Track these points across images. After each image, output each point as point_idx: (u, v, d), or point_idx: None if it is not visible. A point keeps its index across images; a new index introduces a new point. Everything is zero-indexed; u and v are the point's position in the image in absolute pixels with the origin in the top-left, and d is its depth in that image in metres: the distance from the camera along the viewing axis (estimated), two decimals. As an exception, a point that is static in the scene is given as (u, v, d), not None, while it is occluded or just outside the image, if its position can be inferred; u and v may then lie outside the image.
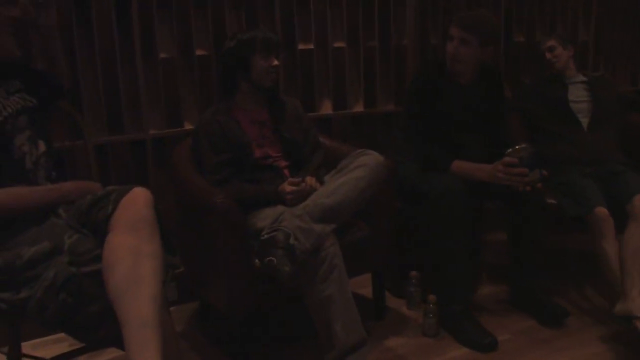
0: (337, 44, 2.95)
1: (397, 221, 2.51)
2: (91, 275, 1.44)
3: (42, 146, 1.73)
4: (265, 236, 1.96)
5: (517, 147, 2.32)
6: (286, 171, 2.36)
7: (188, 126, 2.66)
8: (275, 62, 2.30)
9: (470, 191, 2.38)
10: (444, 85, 2.55)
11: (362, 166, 2.15)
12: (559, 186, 2.64)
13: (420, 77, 2.63)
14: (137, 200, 1.49)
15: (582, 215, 2.53)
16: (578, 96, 2.92)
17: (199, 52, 2.64)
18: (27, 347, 2.27)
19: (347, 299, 2.05)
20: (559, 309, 2.51)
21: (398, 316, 2.58)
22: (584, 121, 2.87)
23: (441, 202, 2.32)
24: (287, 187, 2.18)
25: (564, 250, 3.22)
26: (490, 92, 2.65)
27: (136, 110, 2.56)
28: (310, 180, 2.22)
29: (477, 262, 2.79)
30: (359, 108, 3.07)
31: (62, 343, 2.33)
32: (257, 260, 2.02)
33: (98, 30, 2.44)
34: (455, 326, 2.39)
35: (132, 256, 1.40)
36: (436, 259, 2.41)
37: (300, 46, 2.86)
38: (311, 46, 2.88)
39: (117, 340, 1.46)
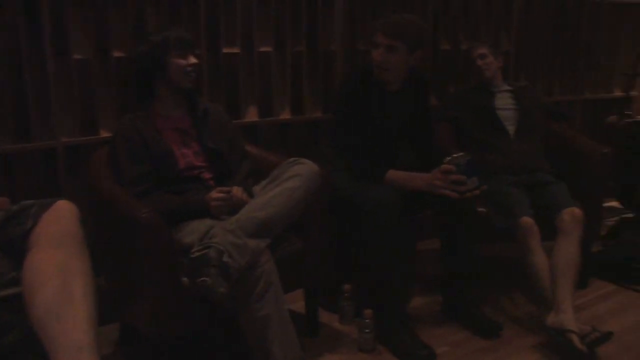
0: (263, 48, 2.82)
1: (329, 233, 2.41)
2: (4, 301, 1.27)
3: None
4: (196, 254, 1.80)
5: (454, 155, 2.28)
6: (212, 182, 2.22)
7: (105, 134, 2.46)
8: (194, 60, 2.17)
9: (404, 201, 2.32)
10: (372, 92, 2.47)
11: (296, 176, 2.04)
12: (487, 195, 2.63)
13: (347, 84, 2.53)
14: (62, 214, 1.34)
15: (508, 226, 2.54)
16: (505, 105, 2.94)
17: (116, 54, 2.45)
18: None
19: (284, 318, 1.93)
20: (493, 324, 2.48)
21: (332, 332, 2.48)
22: (511, 129, 2.89)
23: (377, 215, 2.23)
24: (214, 194, 2.05)
25: (493, 258, 3.23)
26: (419, 98, 2.60)
27: (46, 116, 2.34)
28: (237, 191, 2.09)
29: (411, 273, 2.74)
30: (285, 115, 2.95)
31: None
32: (185, 279, 1.87)
33: (2, 26, 2.20)
34: (393, 340, 2.31)
35: (61, 274, 1.23)
36: (372, 272, 2.33)
37: (225, 49, 2.72)
38: (236, 50, 2.75)
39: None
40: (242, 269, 1.83)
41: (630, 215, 3.65)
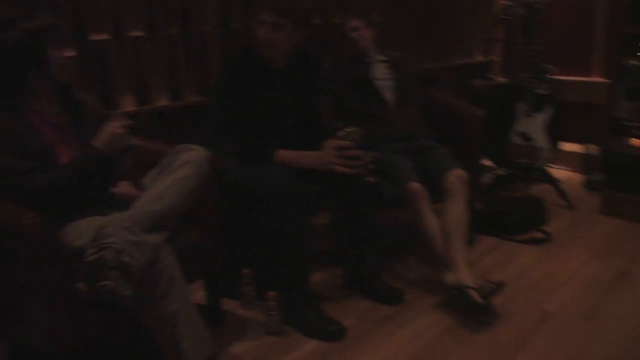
0: (134, 33, 2.66)
1: (224, 220, 2.34)
2: None
3: None
4: (92, 257, 1.67)
5: (347, 129, 2.28)
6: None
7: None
8: (70, 52, 2.00)
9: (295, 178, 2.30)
10: (257, 72, 2.42)
11: (187, 163, 1.95)
12: (375, 165, 2.67)
13: (230, 65, 2.46)
14: None
15: (398, 193, 2.59)
16: (382, 75, 2.99)
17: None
18: None
19: (191, 313, 1.86)
20: (394, 290, 2.55)
21: (236, 319, 2.43)
22: (390, 99, 2.95)
23: (273, 196, 2.20)
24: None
25: (384, 226, 3.30)
26: (304, 76, 2.58)
27: None
28: (125, 186, 1.98)
29: (309, 250, 2.73)
30: (163, 102, 2.82)
31: None
32: (81, 285, 1.73)
33: None
34: (300, 319, 2.30)
35: None
36: (273, 253, 2.29)
37: (93, 36, 2.54)
38: (105, 36, 2.57)
39: None
40: (143, 267, 1.73)
41: (502, 172, 3.89)
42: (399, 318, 2.39)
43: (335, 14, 3.43)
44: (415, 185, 2.58)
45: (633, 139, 3.24)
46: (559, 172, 4.02)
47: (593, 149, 3.87)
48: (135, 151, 2.24)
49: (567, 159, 4.15)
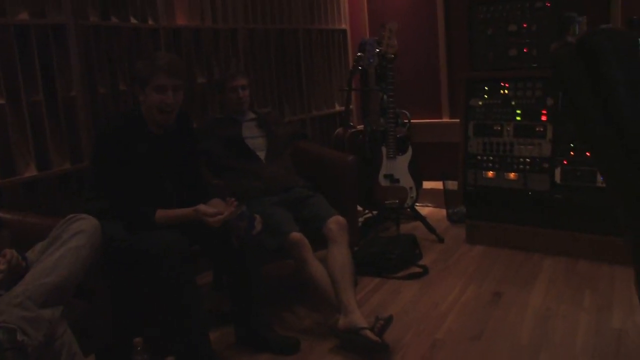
0: (-2, 101, 2.53)
1: (113, 290, 2.26)
2: None
3: None
4: (-18, 340, 1.55)
5: (237, 212, 2.37)
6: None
7: None
8: None
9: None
10: (138, 135, 2.38)
11: (79, 233, 1.88)
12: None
13: (109, 130, 2.39)
14: None
15: (279, 245, 2.64)
16: (252, 133, 3.06)
17: None
18: None
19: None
20: (289, 340, 2.56)
21: (133, 392, 2.31)
22: (261, 154, 3.01)
23: (168, 258, 2.17)
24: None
25: (268, 277, 3.32)
26: (183, 138, 2.58)
27: None
28: (11, 254, 1.84)
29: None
30: (30, 172, 2.67)
31: None
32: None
33: None
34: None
35: None
36: (173, 317, 2.23)
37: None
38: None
39: None
40: (41, 345, 1.62)
41: (370, 214, 4.07)
42: (299, 367, 2.40)
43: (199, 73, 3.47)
44: (296, 235, 2.63)
45: (486, 171, 3.55)
46: (423, 209, 4.29)
47: (451, 184, 4.17)
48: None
49: (429, 196, 4.44)
